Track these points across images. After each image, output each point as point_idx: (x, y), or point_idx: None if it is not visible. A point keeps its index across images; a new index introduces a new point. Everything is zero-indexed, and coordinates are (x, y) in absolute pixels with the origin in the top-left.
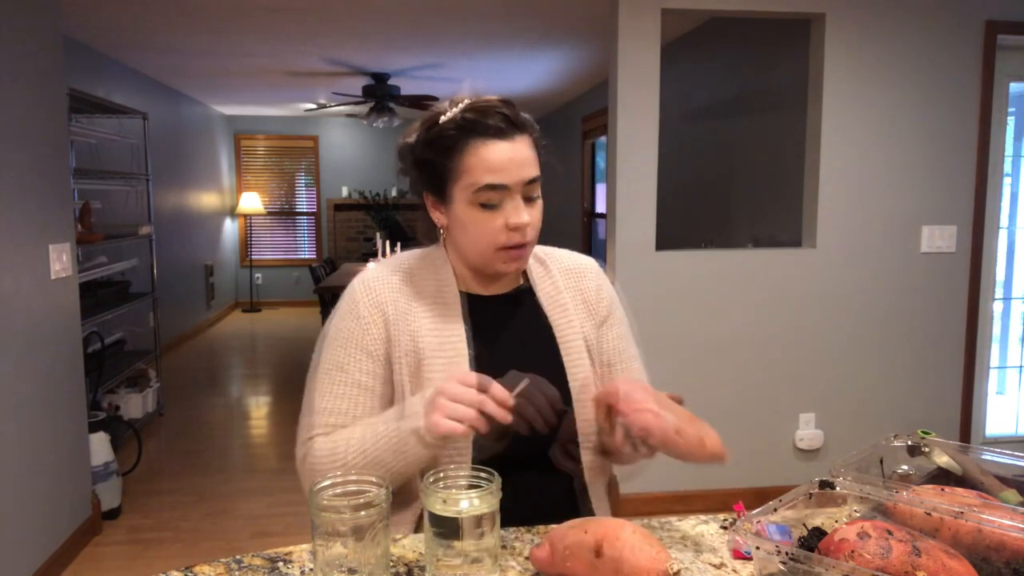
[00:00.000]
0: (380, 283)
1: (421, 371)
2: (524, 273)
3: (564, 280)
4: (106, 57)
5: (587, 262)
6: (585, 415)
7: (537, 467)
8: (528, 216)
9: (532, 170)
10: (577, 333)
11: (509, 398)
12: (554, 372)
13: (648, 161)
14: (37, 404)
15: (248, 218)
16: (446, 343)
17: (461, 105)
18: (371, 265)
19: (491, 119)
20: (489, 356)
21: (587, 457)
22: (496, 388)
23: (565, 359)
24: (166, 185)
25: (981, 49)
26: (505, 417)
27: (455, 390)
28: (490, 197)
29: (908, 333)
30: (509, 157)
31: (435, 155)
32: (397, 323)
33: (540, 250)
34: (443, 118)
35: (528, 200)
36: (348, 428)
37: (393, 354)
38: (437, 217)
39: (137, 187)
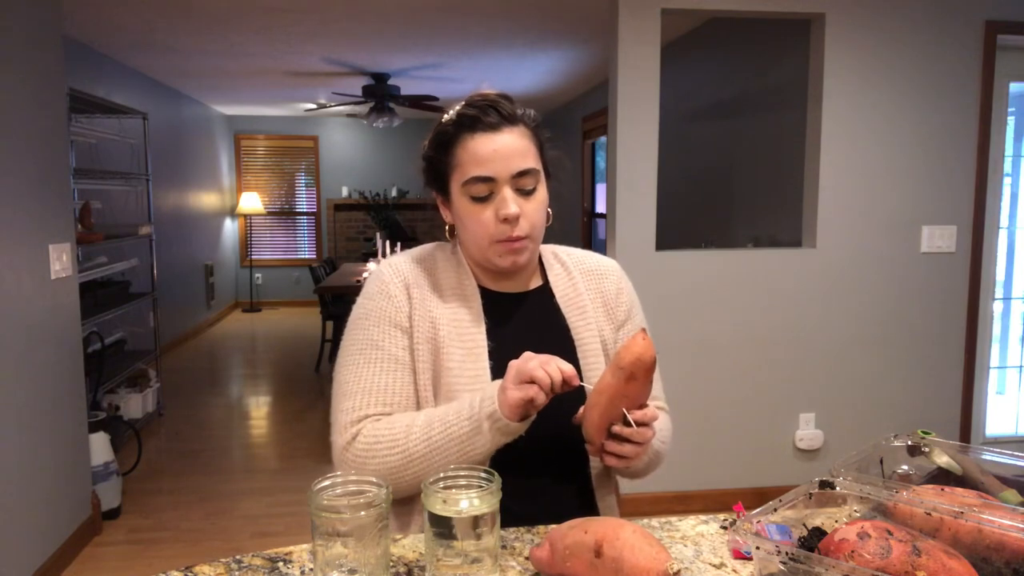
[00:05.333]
0: (405, 266)
1: (440, 360)
2: (543, 273)
3: (584, 281)
4: (106, 57)
5: (608, 263)
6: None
7: (553, 471)
8: (518, 208)
9: (522, 162)
10: (594, 334)
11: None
12: None
13: (648, 161)
14: (37, 404)
15: (248, 218)
16: (465, 334)
17: (461, 103)
18: (370, 265)
19: (482, 114)
20: (505, 351)
21: (595, 462)
22: (559, 360)
23: (581, 360)
24: (166, 185)
25: (981, 49)
26: (574, 377)
27: (522, 364)
28: (479, 189)
29: (908, 333)
30: (494, 149)
31: (436, 153)
32: (419, 307)
33: (561, 250)
34: (445, 117)
35: (522, 193)
36: (407, 414)
37: (414, 337)
38: (445, 214)
39: (137, 187)
